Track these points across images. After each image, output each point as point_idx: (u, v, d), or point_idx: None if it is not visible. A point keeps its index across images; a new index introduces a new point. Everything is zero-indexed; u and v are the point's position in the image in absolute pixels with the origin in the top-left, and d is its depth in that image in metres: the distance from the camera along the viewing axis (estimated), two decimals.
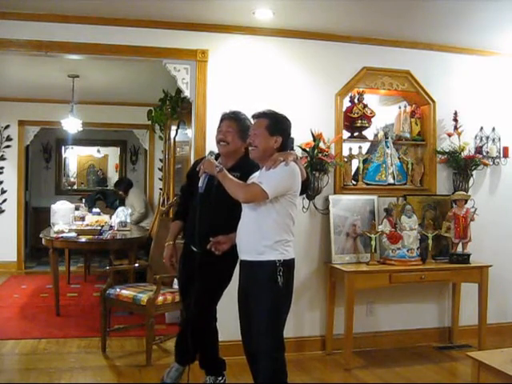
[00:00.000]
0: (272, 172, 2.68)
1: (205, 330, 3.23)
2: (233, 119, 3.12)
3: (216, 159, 3.10)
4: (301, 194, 3.05)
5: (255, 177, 2.85)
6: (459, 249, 4.27)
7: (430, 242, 4.18)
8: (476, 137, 4.64)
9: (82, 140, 9.47)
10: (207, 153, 3.04)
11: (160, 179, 8.18)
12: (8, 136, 7.58)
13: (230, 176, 2.81)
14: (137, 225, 6.84)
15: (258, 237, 2.72)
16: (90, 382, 3.60)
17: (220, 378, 3.35)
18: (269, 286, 2.69)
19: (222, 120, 3.18)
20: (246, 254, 2.80)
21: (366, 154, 4.45)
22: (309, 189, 3.21)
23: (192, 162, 4.12)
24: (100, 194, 8.96)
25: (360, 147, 4.42)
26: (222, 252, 2.98)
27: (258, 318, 2.72)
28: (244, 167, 3.04)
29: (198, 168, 2.92)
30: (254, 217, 2.73)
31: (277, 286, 2.68)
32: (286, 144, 2.86)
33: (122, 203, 7.41)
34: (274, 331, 2.72)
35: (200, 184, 2.97)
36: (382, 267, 4.04)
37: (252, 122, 2.96)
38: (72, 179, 10.48)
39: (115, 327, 4.42)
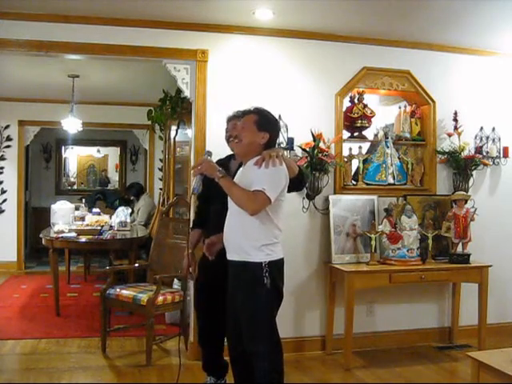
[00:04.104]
0: (269, 175, 2.59)
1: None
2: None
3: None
4: (297, 189, 3.02)
5: (244, 174, 2.76)
6: (459, 249, 4.27)
7: (430, 241, 4.18)
8: (476, 137, 4.63)
9: (82, 140, 9.50)
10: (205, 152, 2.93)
11: (160, 179, 8.18)
12: (8, 136, 7.58)
13: (235, 183, 2.67)
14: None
15: (245, 238, 2.65)
16: (90, 382, 3.60)
17: (221, 380, 3.34)
18: (255, 289, 2.63)
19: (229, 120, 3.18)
20: (233, 253, 2.73)
21: (366, 154, 4.45)
22: (303, 183, 3.11)
23: (192, 162, 4.12)
24: (100, 193, 8.97)
25: (360, 147, 4.43)
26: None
27: (248, 321, 2.66)
28: None
29: (192, 169, 2.64)
30: (242, 217, 2.64)
31: (264, 287, 2.62)
32: (274, 142, 2.82)
33: (124, 203, 7.39)
34: (267, 333, 2.67)
35: (194, 185, 2.72)
36: (382, 267, 4.04)
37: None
38: (72, 179, 10.48)
39: (115, 327, 4.42)
